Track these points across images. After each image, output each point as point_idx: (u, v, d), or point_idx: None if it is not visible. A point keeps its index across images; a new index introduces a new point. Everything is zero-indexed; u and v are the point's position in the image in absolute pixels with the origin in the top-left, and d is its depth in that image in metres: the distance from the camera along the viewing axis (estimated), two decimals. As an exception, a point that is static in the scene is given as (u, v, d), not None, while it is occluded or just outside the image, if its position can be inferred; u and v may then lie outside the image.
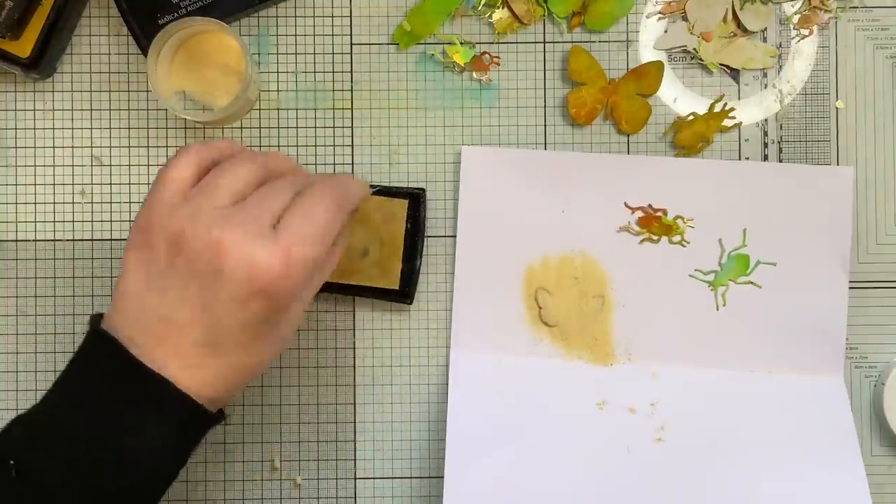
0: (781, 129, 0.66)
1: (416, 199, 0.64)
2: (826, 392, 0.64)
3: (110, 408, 0.49)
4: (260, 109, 0.66)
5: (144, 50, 0.62)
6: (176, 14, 0.62)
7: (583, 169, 0.65)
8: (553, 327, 0.65)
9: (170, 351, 0.49)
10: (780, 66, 0.66)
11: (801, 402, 0.64)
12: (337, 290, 0.64)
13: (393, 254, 0.63)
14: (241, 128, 0.65)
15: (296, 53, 0.66)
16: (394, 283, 0.63)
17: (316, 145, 0.66)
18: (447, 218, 0.65)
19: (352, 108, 0.66)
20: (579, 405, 0.64)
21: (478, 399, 0.63)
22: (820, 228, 0.65)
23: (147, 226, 0.50)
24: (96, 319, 0.51)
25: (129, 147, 0.65)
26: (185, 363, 0.49)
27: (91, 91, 0.65)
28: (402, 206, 0.63)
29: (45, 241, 0.65)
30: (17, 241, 0.65)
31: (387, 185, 0.64)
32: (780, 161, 0.66)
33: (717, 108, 0.66)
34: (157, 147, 0.65)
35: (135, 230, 0.50)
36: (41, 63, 0.62)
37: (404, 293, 0.64)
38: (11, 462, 0.47)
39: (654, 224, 0.65)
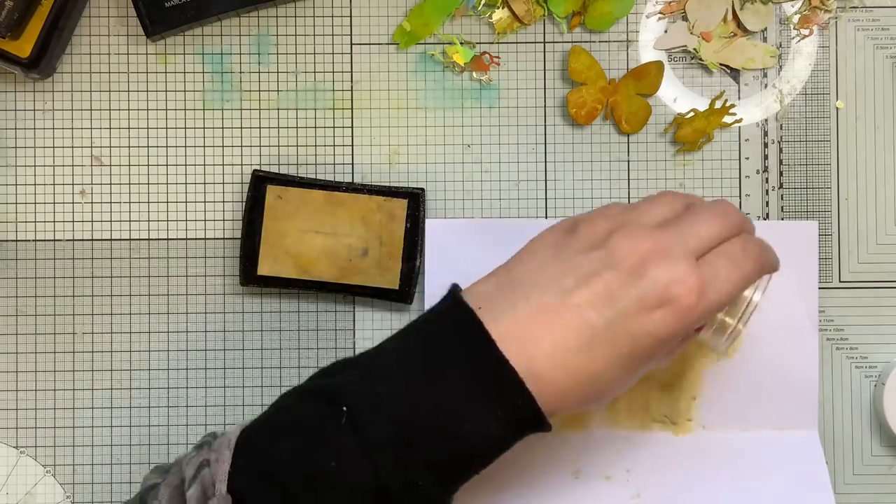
0: (781, 129, 0.66)
1: (415, 199, 0.64)
2: (801, 447, 0.64)
3: (453, 385, 0.47)
4: (260, 109, 0.66)
5: (150, 33, 0.62)
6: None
7: None
8: None
9: (540, 339, 0.47)
10: (780, 66, 0.66)
11: (777, 459, 0.64)
12: (337, 290, 0.64)
13: (393, 253, 0.63)
14: (241, 128, 0.65)
15: (296, 53, 0.66)
16: (394, 283, 0.63)
17: (316, 145, 0.66)
18: (447, 218, 0.65)
19: (352, 108, 0.66)
20: (556, 474, 0.64)
21: None
22: (787, 284, 0.64)
23: (573, 221, 0.51)
24: (456, 287, 0.51)
25: (129, 147, 0.65)
26: (551, 360, 0.47)
27: (91, 91, 0.65)
28: (401, 205, 0.63)
29: (45, 241, 0.65)
30: (17, 241, 0.65)
31: (387, 185, 0.64)
32: (781, 162, 0.66)
33: (718, 105, 0.66)
34: (157, 147, 0.65)
35: (559, 224, 0.51)
36: (41, 63, 0.62)
37: (404, 293, 0.64)
38: (344, 409, 0.47)
39: None
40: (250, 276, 0.63)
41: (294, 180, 0.63)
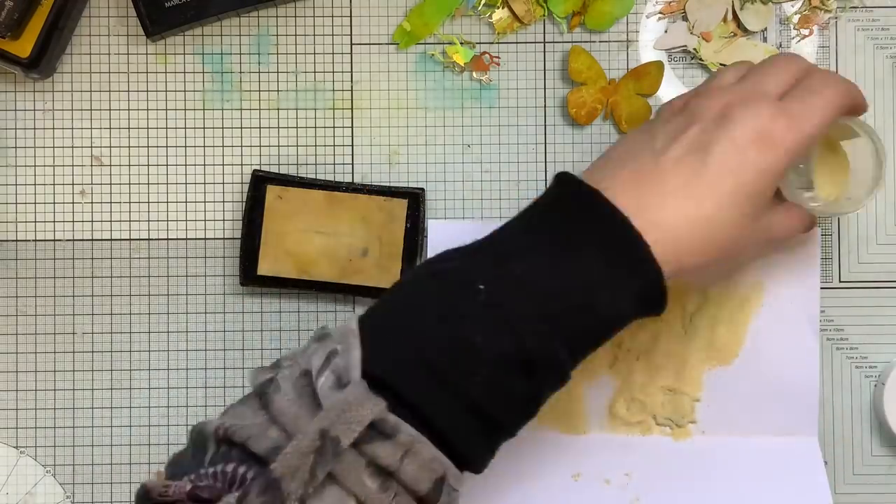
0: (781, 129, 0.66)
1: (415, 199, 0.64)
2: (801, 453, 0.64)
3: (591, 260, 0.49)
4: (260, 109, 0.66)
5: (150, 33, 0.62)
6: (182, -1, 0.62)
7: None
8: None
9: (645, 191, 0.50)
10: (780, 66, 0.66)
11: (776, 465, 0.64)
12: (337, 290, 0.64)
13: (393, 254, 0.63)
14: (241, 128, 0.65)
15: (296, 53, 0.66)
16: None
17: (316, 145, 0.66)
18: (450, 219, 0.65)
19: (352, 108, 0.66)
20: (555, 477, 0.64)
21: None
22: (789, 290, 0.64)
23: (660, 110, 0.55)
24: (563, 174, 0.52)
25: (129, 147, 0.65)
26: (659, 206, 0.49)
27: (91, 91, 0.65)
28: (401, 205, 0.63)
29: (45, 241, 0.65)
30: (17, 241, 0.65)
31: (387, 185, 0.64)
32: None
33: (717, 108, 0.66)
34: (157, 147, 0.65)
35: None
36: (41, 63, 0.62)
37: None
38: (481, 286, 0.48)
39: None
40: (250, 276, 0.63)
41: (294, 180, 0.63)
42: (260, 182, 0.63)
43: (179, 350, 0.65)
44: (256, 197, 0.63)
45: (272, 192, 0.63)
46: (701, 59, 0.66)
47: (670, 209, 0.49)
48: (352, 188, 0.63)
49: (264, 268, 0.63)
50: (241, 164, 0.65)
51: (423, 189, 0.64)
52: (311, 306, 0.65)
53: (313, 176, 0.65)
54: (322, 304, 0.65)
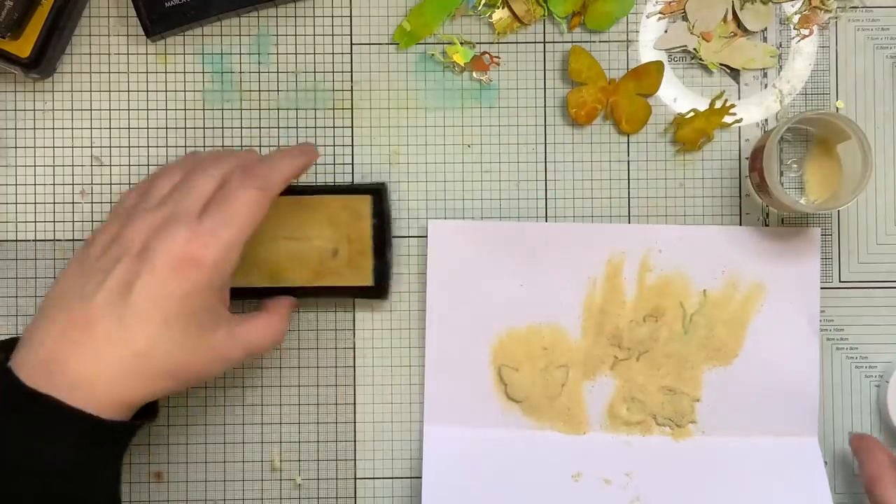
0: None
1: (378, 194, 0.63)
2: (801, 453, 0.64)
3: (4, 431, 0.50)
4: (260, 109, 0.66)
5: (150, 33, 0.62)
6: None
7: (549, 239, 0.64)
8: (521, 402, 0.65)
9: (76, 342, 0.50)
10: (780, 66, 0.66)
11: (777, 465, 0.64)
12: (312, 294, 0.63)
13: (363, 251, 0.63)
14: (241, 128, 0.65)
15: (296, 53, 0.66)
16: (367, 280, 0.63)
17: (316, 145, 0.66)
18: (449, 219, 0.65)
19: (352, 108, 0.66)
20: (555, 477, 0.64)
21: (452, 476, 0.63)
22: (789, 290, 0.64)
23: (91, 237, 0.55)
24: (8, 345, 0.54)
25: (129, 147, 0.65)
26: (89, 356, 0.50)
27: (91, 91, 0.65)
28: (365, 202, 0.63)
29: (45, 241, 0.65)
30: (17, 241, 0.65)
31: (348, 183, 0.64)
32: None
33: (718, 105, 0.66)
34: (157, 147, 0.65)
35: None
36: (41, 63, 0.62)
37: (379, 288, 0.63)
38: None
39: None
40: None
41: None
42: None
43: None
44: None
45: None
46: (701, 59, 0.66)
47: (104, 355, 0.50)
48: (314, 190, 0.63)
49: (236, 281, 0.62)
50: (241, 164, 0.65)
51: (384, 183, 0.64)
52: (310, 306, 0.65)
53: (314, 177, 0.65)
54: (322, 304, 0.65)
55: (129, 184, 0.65)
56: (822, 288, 0.66)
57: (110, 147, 0.65)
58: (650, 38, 0.66)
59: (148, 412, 0.55)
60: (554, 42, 0.66)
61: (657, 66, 0.65)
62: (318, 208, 0.63)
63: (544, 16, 0.66)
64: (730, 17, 0.66)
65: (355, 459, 0.65)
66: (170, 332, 0.51)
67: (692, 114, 0.65)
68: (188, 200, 0.53)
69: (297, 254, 0.63)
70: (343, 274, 0.63)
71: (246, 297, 0.63)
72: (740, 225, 0.66)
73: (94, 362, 0.50)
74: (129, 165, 0.65)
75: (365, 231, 0.63)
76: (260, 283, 0.62)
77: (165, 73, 0.66)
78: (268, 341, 0.57)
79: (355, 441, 0.65)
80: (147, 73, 0.65)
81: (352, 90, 0.66)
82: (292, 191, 0.62)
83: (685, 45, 0.66)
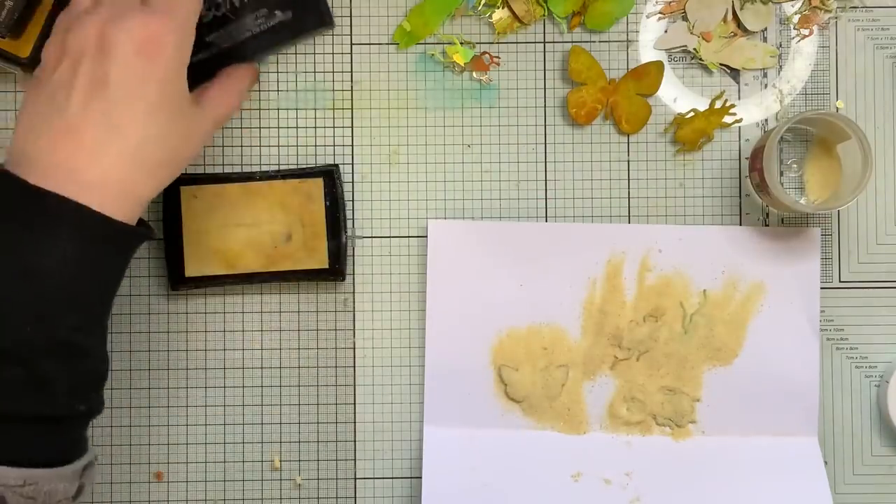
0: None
1: (330, 176, 0.63)
2: (801, 453, 0.64)
3: (7, 229, 0.50)
4: (260, 109, 0.66)
5: None
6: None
7: (549, 239, 0.64)
8: (521, 402, 0.65)
9: (70, 153, 0.50)
10: (780, 66, 0.66)
11: (777, 465, 0.64)
12: (269, 279, 0.64)
13: (317, 233, 0.63)
14: (241, 128, 0.65)
15: (296, 53, 0.66)
16: (323, 262, 0.63)
17: (316, 145, 0.66)
18: (448, 219, 0.65)
19: (352, 108, 0.66)
20: (555, 477, 0.64)
21: (452, 477, 0.63)
22: (789, 290, 0.64)
23: (43, 55, 0.54)
24: None
25: (129, 147, 0.65)
26: (89, 161, 0.50)
27: (91, 91, 0.65)
28: (317, 185, 0.63)
29: (45, 241, 0.65)
30: (17, 241, 0.65)
31: (300, 166, 0.64)
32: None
33: (718, 105, 0.66)
34: (157, 147, 0.65)
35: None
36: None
37: (335, 270, 0.63)
38: None
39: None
40: (178, 280, 0.63)
41: (206, 177, 0.63)
42: (172, 184, 0.62)
43: (179, 350, 0.65)
44: (171, 200, 0.63)
45: (186, 192, 0.63)
46: (701, 59, 0.66)
47: (103, 157, 0.50)
48: (265, 175, 0.63)
49: (191, 269, 0.63)
50: (241, 165, 0.65)
51: (336, 165, 0.64)
52: (311, 306, 0.65)
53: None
54: (322, 303, 0.65)
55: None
56: (822, 288, 0.66)
57: (110, 147, 0.65)
58: (650, 38, 0.66)
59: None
60: (554, 42, 0.66)
61: (657, 66, 0.65)
62: (268, 194, 0.63)
63: (544, 16, 0.66)
64: (730, 17, 0.66)
65: (355, 459, 0.65)
66: (156, 120, 0.51)
67: (692, 114, 0.66)
68: None
69: (250, 240, 0.63)
70: (298, 258, 0.63)
71: (206, 286, 0.63)
72: (740, 225, 0.66)
73: (97, 164, 0.50)
74: (129, 165, 0.65)
75: (318, 214, 0.63)
76: (215, 270, 0.63)
77: (165, 73, 0.65)
78: (229, 109, 0.58)
79: (355, 441, 0.65)
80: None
81: (352, 90, 0.66)
82: (242, 177, 0.63)
83: (685, 45, 0.66)
